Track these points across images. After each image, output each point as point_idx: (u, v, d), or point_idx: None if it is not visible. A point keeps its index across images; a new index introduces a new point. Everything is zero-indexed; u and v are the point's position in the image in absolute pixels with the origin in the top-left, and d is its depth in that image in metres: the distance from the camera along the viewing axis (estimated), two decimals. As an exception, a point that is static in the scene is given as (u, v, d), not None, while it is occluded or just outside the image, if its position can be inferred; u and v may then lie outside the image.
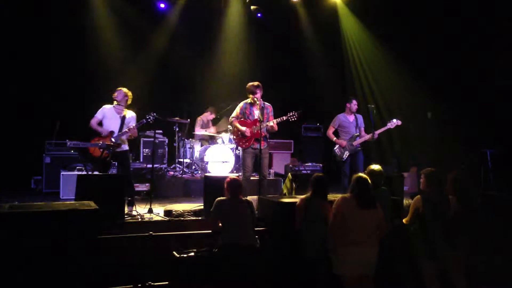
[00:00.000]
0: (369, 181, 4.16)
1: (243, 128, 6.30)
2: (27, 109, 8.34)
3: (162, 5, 9.49)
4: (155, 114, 6.08)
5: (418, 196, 4.43)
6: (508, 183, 7.41)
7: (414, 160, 8.88)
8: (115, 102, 6.23)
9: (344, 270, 3.99)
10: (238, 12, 9.99)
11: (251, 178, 6.71)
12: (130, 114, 6.32)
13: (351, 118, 7.21)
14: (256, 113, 6.27)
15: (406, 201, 6.22)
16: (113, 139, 6.05)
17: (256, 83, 6.29)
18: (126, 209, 5.84)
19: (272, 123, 6.17)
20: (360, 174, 4.27)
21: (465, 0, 8.20)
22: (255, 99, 6.24)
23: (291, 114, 6.15)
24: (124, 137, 6.18)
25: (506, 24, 7.60)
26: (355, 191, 4.09)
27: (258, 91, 6.25)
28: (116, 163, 6.52)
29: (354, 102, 7.22)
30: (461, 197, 4.46)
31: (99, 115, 6.22)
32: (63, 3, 8.38)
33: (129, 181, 6.18)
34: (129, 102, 6.35)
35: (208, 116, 9.40)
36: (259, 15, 10.03)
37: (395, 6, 8.90)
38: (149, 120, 6.07)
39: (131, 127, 6.13)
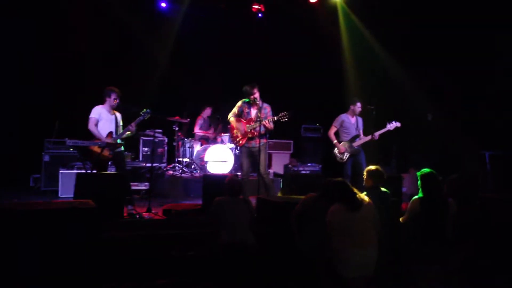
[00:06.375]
0: (346, 182, 4.09)
1: (239, 127, 6.35)
2: (26, 107, 8.32)
3: (163, 4, 9.48)
4: (149, 110, 5.98)
5: (416, 197, 4.41)
6: (507, 185, 7.40)
7: (413, 161, 8.88)
8: (112, 102, 6.08)
9: (344, 271, 3.97)
10: (239, 12, 9.99)
11: (250, 178, 6.74)
12: (118, 114, 6.25)
13: (353, 119, 7.33)
14: (254, 112, 6.31)
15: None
16: (112, 140, 5.99)
17: (252, 84, 6.28)
18: (125, 208, 5.84)
19: (266, 121, 6.14)
20: (333, 179, 4.10)
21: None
22: (255, 99, 6.25)
23: (282, 114, 6.14)
24: (121, 137, 6.11)
25: (507, 24, 7.59)
26: (339, 198, 3.99)
27: (255, 92, 6.24)
28: (112, 163, 6.41)
29: (358, 104, 7.30)
30: (459, 200, 4.46)
31: (96, 115, 6.05)
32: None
33: (126, 181, 6.16)
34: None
35: (206, 113, 9.39)
36: (260, 15, 10.04)
37: (395, 6, 8.90)
38: (145, 117, 6.00)
39: (132, 124, 6.06)
